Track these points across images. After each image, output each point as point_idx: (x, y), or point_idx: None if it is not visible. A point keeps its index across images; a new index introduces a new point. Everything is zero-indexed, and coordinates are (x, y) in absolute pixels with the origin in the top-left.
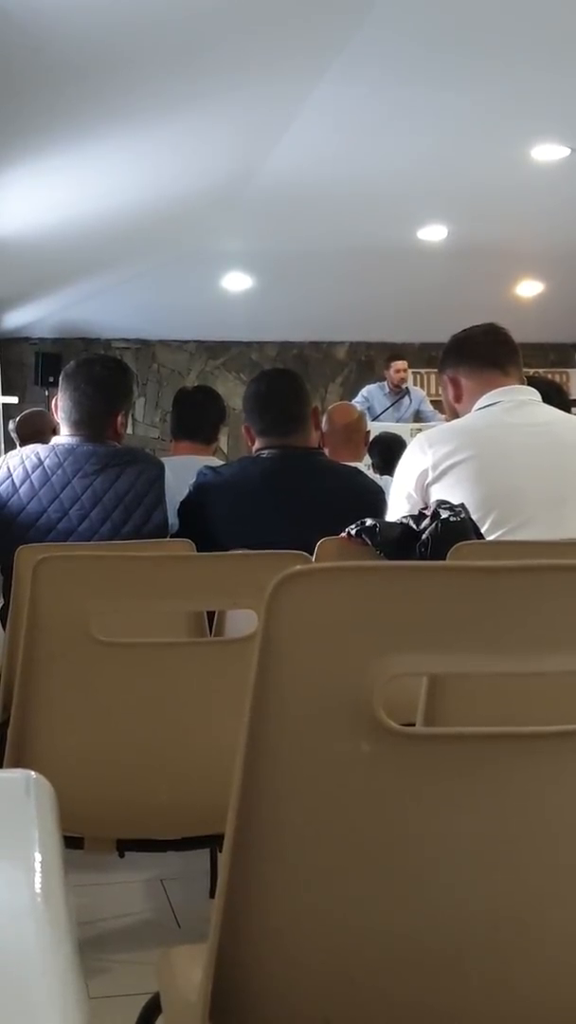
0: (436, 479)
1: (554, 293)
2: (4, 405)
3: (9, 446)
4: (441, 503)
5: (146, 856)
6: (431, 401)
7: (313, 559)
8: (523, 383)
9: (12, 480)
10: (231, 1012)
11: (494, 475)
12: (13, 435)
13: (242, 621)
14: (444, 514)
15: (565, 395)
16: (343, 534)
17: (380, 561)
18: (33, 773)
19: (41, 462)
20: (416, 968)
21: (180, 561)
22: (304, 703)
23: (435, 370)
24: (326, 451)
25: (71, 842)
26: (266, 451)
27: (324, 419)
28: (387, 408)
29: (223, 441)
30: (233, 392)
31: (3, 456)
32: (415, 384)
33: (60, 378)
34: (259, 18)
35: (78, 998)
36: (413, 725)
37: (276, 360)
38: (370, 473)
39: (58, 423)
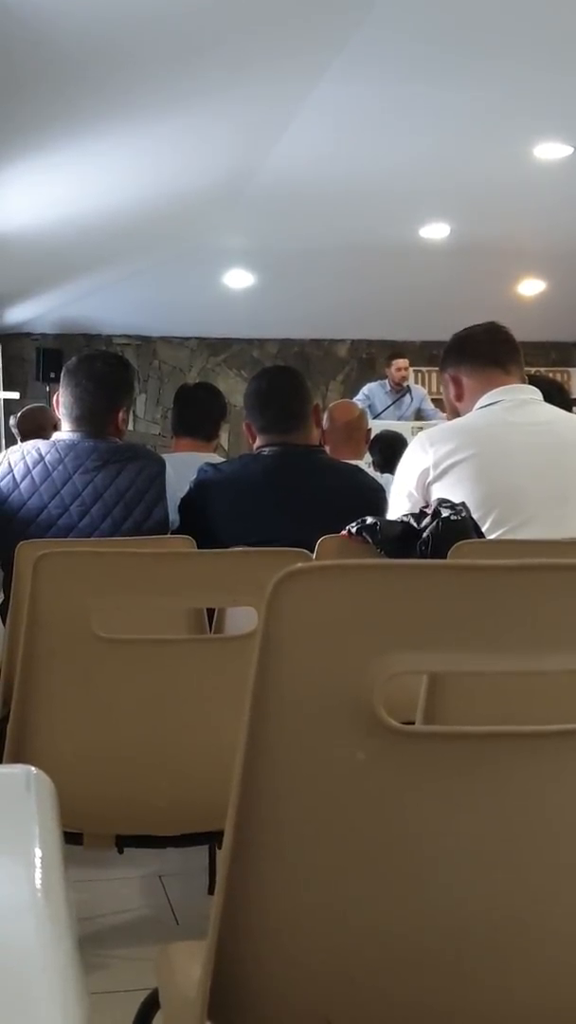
0: (437, 478)
1: (556, 292)
2: (5, 401)
3: (10, 442)
4: (442, 502)
5: (145, 852)
6: (432, 399)
7: (313, 557)
8: (524, 382)
9: (13, 475)
10: (230, 1009)
11: (495, 474)
12: (14, 431)
13: (242, 618)
14: (445, 513)
15: (566, 394)
16: (344, 532)
17: (381, 559)
18: (33, 769)
19: (42, 458)
20: (415, 966)
21: (180, 558)
22: (304, 701)
23: (436, 368)
24: (327, 449)
25: (70, 838)
26: (267, 448)
27: (325, 417)
28: (388, 406)
29: (224, 438)
30: (234, 389)
31: (4, 451)
32: (416, 382)
33: (61, 374)
34: (260, 16)
35: (78, 993)
36: (413, 724)
37: (277, 357)
38: (370, 471)
39: (59, 419)
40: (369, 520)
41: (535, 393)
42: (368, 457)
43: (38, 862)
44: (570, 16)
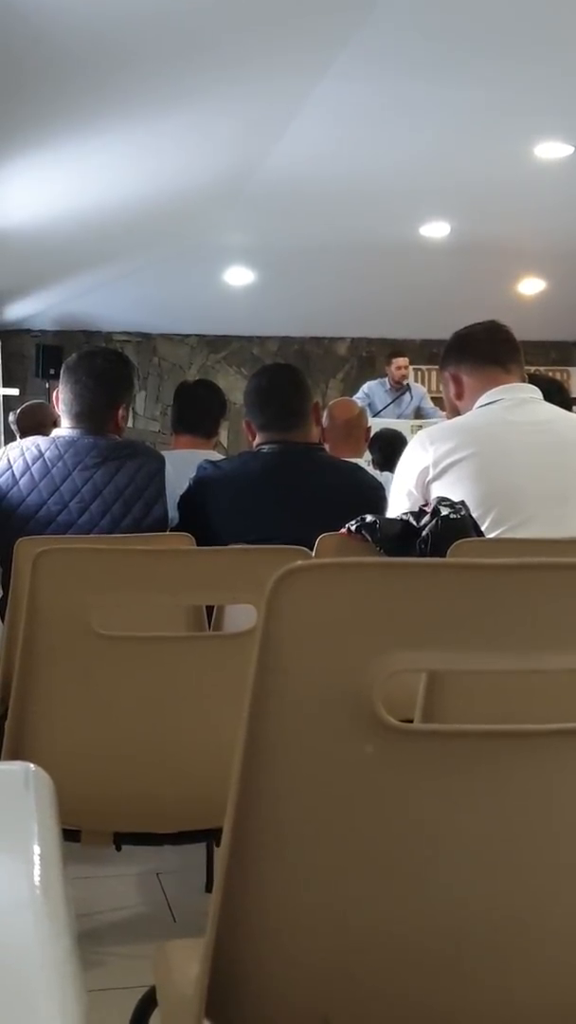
0: (437, 476)
1: (556, 291)
2: (5, 397)
3: (9, 438)
4: (441, 500)
5: (142, 850)
6: (432, 398)
7: (313, 555)
8: (524, 381)
9: (12, 472)
10: (227, 1007)
11: (495, 473)
12: (13, 427)
13: (240, 616)
14: (444, 511)
15: (566, 393)
16: (343, 530)
17: (380, 558)
18: (32, 766)
19: (41, 454)
20: (413, 964)
21: (179, 555)
22: (303, 699)
23: (436, 367)
24: (326, 447)
25: (68, 835)
26: (267, 446)
27: (325, 415)
28: (388, 404)
29: (223, 436)
30: (234, 387)
31: (3, 448)
32: (416, 381)
33: (61, 370)
34: (261, 14)
35: (77, 990)
36: (412, 722)
37: (277, 355)
38: (370, 469)
39: (59, 415)
40: (369, 518)
41: (535, 392)
42: (368, 455)
43: (37, 859)
44: (571, 15)
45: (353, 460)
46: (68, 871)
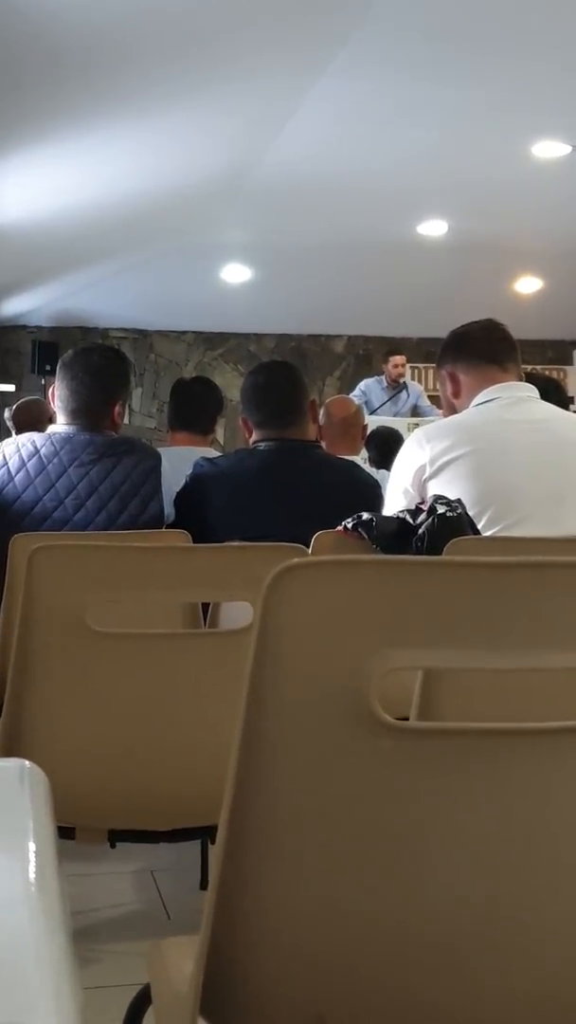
0: (433, 474)
1: (553, 290)
2: (0, 393)
3: (5, 434)
4: (438, 498)
5: (136, 847)
6: (429, 396)
7: (309, 552)
8: (521, 379)
9: (8, 468)
10: (222, 1004)
11: (491, 471)
12: (9, 423)
13: (236, 613)
14: (441, 509)
15: (563, 392)
16: (340, 528)
17: (377, 555)
18: (27, 762)
19: (37, 450)
20: (409, 962)
21: (176, 552)
22: (299, 696)
23: (433, 365)
24: (323, 444)
25: (63, 832)
26: (263, 443)
27: (322, 412)
28: (384, 402)
29: (220, 433)
30: (231, 384)
31: None
32: (413, 379)
33: (58, 367)
34: (261, 11)
35: (72, 987)
36: (408, 719)
37: (274, 352)
38: (366, 467)
39: (55, 412)
40: (365, 516)
41: (532, 391)
42: (364, 453)
43: (32, 856)
44: (570, 15)
45: (350, 458)
46: (63, 868)
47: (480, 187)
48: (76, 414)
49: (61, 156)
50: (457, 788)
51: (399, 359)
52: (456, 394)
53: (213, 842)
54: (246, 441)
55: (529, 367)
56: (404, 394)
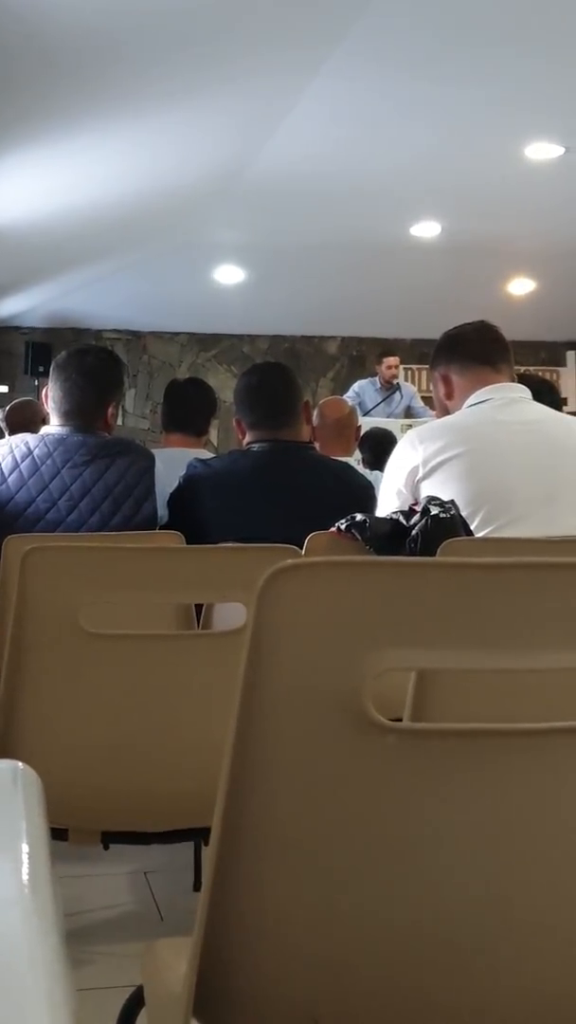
0: (426, 475)
1: (546, 291)
2: None
3: None
4: (431, 499)
5: (130, 849)
6: (422, 397)
7: (302, 553)
8: (514, 381)
9: (1, 469)
10: (215, 1006)
11: (484, 472)
12: (1, 424)
13: (230, 614)
14: (434, 510)
15: (556, 393)
16: (333, 529)
17: (370, 556)
18: (20, 764)
19: (30, 452)
20: (403, 964)
21: (169, 553)
22: (293, 697)
23: (427, 366)
24: (317, 445)
25: (55, 834)
26: (257, 444)
27: (315, 413)
28: (378, 403)
29: (214, 434)
30: (224, 385)
31: None
32: (406, 380)
33: (51, 368)
34: (255, 11)
35: (65, 988)
36: (401, 720)
37: (267, 353)
38: (360, 468)
39: (48, 413)
40: (359, 517)
41: (525, 392)
42: (358, 454)
43: (25, 857)
44: (563, 16)
45: (343, 459)
46: (56, 870)
47: (474, 189)
48: (69, 415)
49: (54, 156)
50: (450, 788)
51: (392, 360)
52: (449, 395)
53: (206, 843)
54: (240, 442)
55: (522, 368)
56: (398, 395)
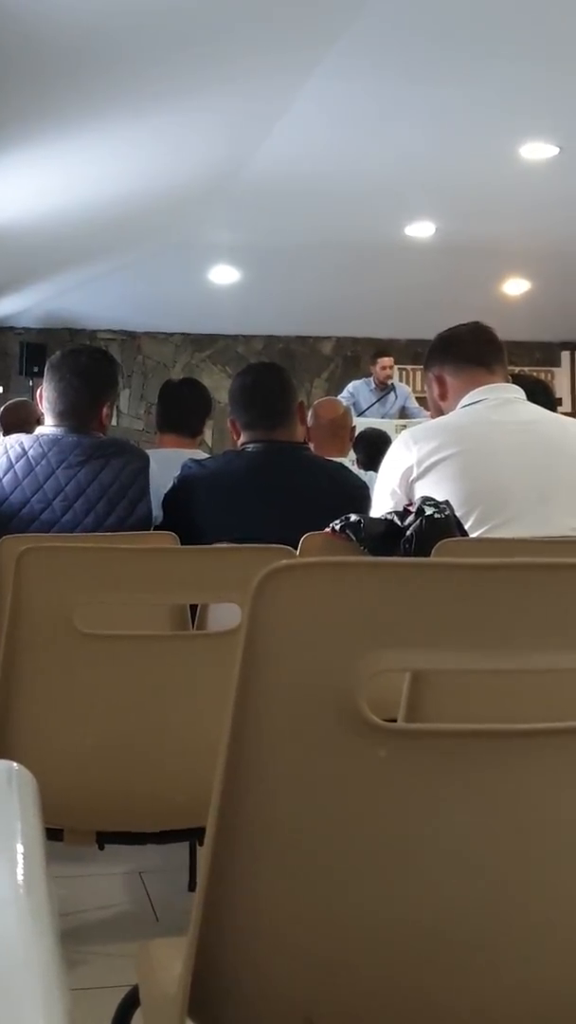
0: (420, 476)
1: (541, 292)
2: None
3: None
4: (426, 499)
5: (125, 849)
6: (416, 398)
7: (297, 554)
8: (508, 381)
9: None
10: (210, 1006)
11: (478, 472)
12: None
13: (224, 615)
14: (428, 511)
15: (551, 394)
16: (327, 529)
17: (365, 557)
18: (15, 764)
19: (25, 452)
20: (398, 963)
21: (163, 554)
22: (287, 698)
23: (421, 367)
24: (311, 446)
25: (51, 834)
26: (251, 445)
27: (310, 414)
28: (372, 404)
29: (208, 434)
30: (219, 385)
31: None
32: (401, 380)
33: (46, 368)
34: (249, 11)
35: (61, 988)
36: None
37: (262, 354)
38: (354, 469)
39: (42, 413)
40: (353, 517)
41: (519, 392)
42: (352, 455)
43: (20, 857)
44: (559, 16)
45: (338, 459)
46: (51, 870)
47: (468, 189)
48: (64, 416)
49: (49, 156)
50: (445, 789)
51: (387, 361)
52: (443, 396)
53: (201, 844)
54: (234, 443)
55: (517, 369)
56: (392, 396)
